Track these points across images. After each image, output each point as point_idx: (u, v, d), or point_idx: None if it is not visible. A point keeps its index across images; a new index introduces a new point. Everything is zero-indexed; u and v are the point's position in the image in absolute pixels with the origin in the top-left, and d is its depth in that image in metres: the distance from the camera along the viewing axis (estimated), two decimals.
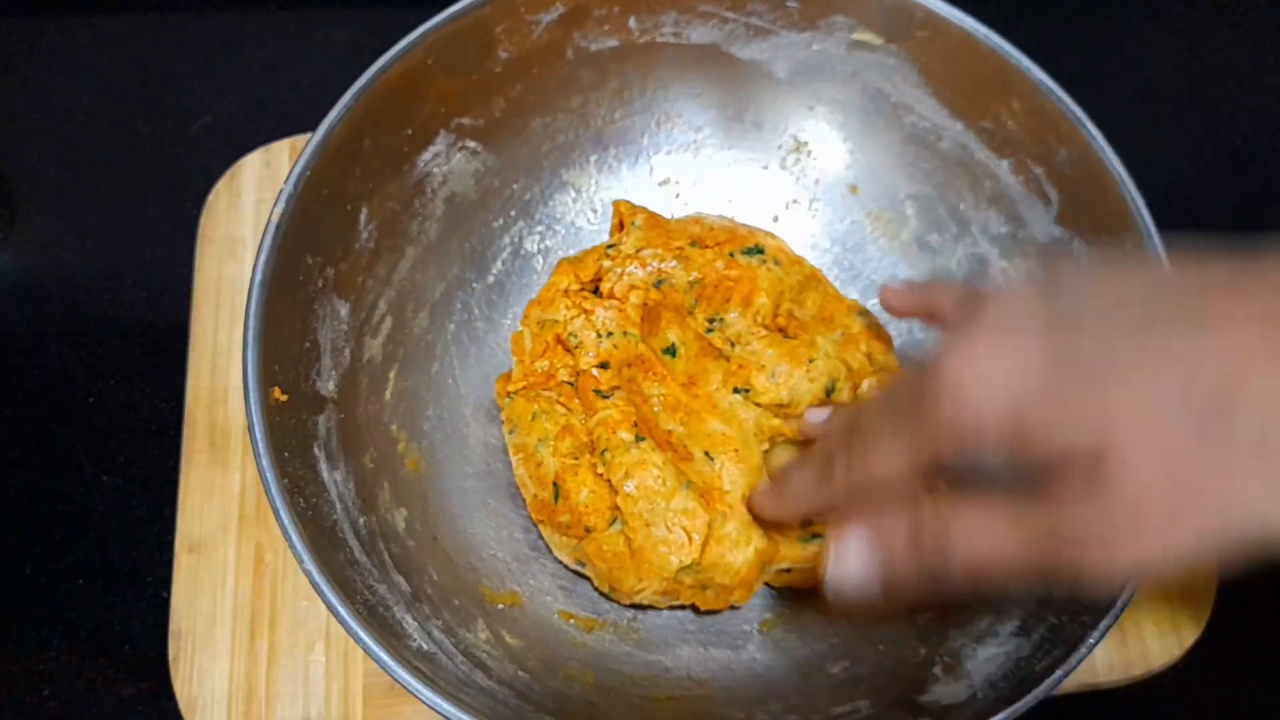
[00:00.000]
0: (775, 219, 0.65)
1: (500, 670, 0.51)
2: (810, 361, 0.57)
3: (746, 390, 0.56)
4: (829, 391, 0.56)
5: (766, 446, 0.56)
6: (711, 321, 0.58)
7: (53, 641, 0.61)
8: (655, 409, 0.56)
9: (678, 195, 0.66)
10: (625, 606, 0.57)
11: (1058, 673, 0.46)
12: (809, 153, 0.65)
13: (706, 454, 0.55)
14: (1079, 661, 0.46)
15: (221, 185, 0.69)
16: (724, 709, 0.53)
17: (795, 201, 0.66)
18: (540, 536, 0.58)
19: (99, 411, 0.67)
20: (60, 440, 0.66)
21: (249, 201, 0.69)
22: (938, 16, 0.57)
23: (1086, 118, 0.55)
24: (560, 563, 0.57)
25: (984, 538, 0.38)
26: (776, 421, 0.56)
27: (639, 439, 0.53)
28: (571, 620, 0.56)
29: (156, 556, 0.62)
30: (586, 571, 0.56)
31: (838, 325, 0.59)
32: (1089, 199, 0.56)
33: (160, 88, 0.79)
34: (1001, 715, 0.45)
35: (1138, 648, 0.60)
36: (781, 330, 0.58)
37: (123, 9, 0.82)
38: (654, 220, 0.60)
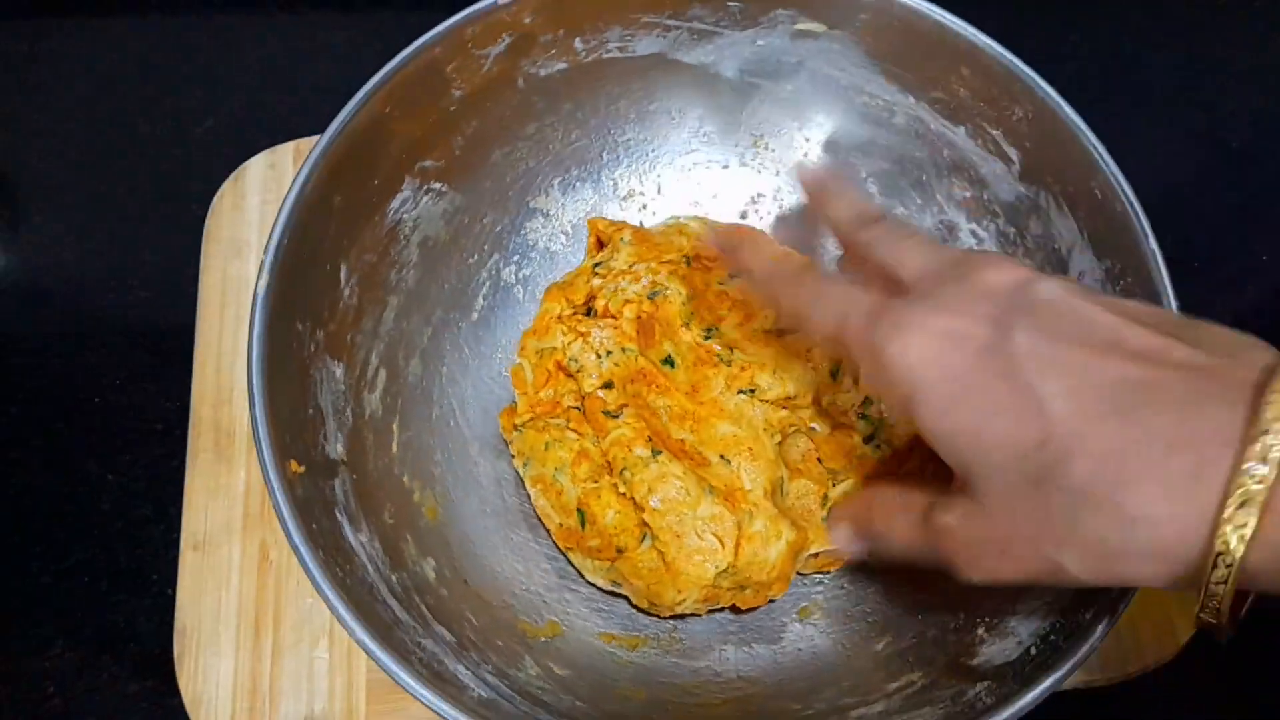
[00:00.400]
0: (743, 215, 0.66)
1: (558, 704, 0.51)
2: (808, 351, 0.57)
3: (752, 390, 0.56)
4: (834, 374, 0.57)
5: (779, 439, 0.57)
6: (709, 331, 0.58)
7: (57, 639, 0.61)
8: (664, 420, 0.56)
9: (644, 206, 0.66)
10: (665, 619, 0.57)
11: (1106, 618, 0.47)
12: (766, 145, 0.66)
13: (722, 457, 0.55)
14: (1129, 600, 0.46)
15: (226, 187, 0.70)
16: (779, 703, 0.54)
17: (760, 195, 0.67)
18: (569, 563, 0.58)
19: (103, 411, 0.68)
20: (65, 440, 0.67)
21: (253, 203, 0.69)
22: None
23: (1037, 75, 0.56)
24: (593, 585, 0.57)
25: (901, 526, 0.47)
26: (784, 413, 0.57)
27: (655, 453, 0.54)
28: (614, 641, 0.56)
29: (161, 555, 0.62)
30: (624, 591, 0.56)
31: None
32: (1049, 153, 0.57)
33: (163, 90, 0.79)
34: (1065, 666, 0.46)
35: (1133, 645, 0.61)
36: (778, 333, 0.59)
37: (125, 11, 0.82)
38: (641, 235, 0.60)
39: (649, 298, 0.58)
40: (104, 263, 0.73)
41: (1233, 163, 0.81)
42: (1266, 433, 0.32)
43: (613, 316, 0.58)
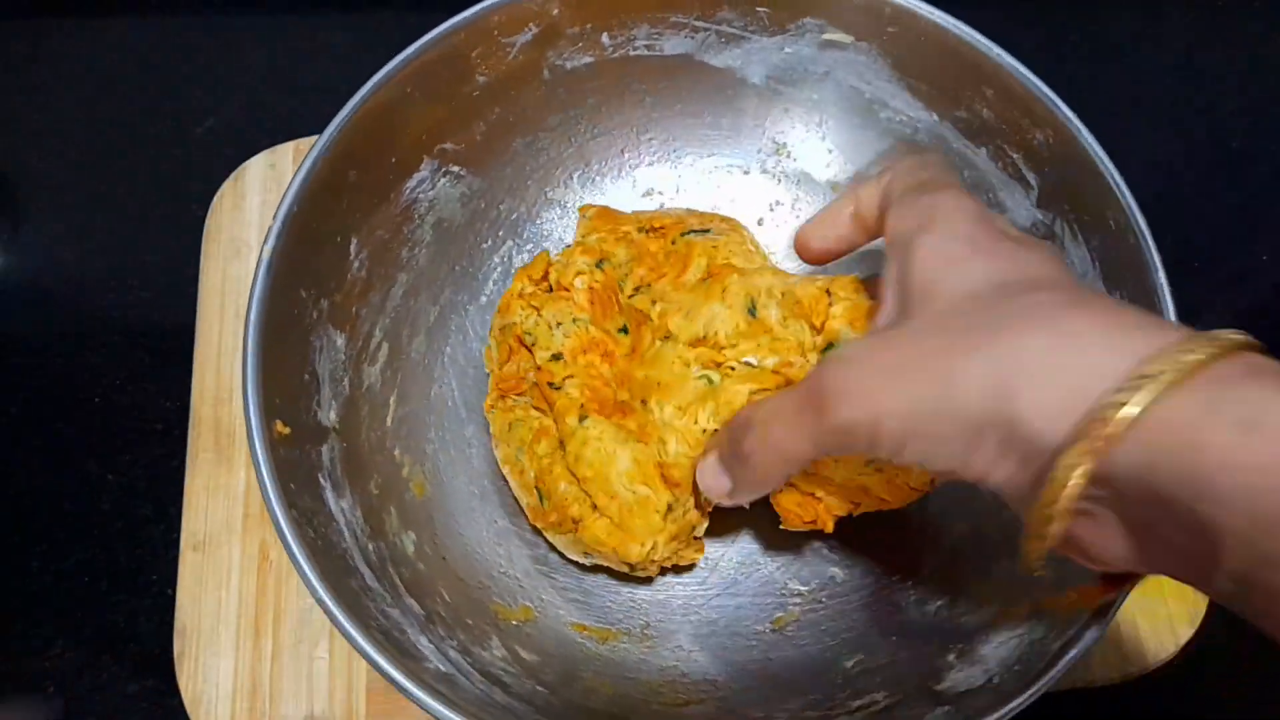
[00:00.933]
0: (760, 222, 0.66)
1: (519, 686, 0.52)
2: (724, 290, 0.54)
3: (667, 336, 0.55)
4: (751, 311, 0.54)
5: (701, 374, 0.53)
6: (637, 289, 0.57)
7: (58, 639, 0.62)
8: (613, 387, 0.56)
9: (661, 205, 0.67)
10: (642, 604, 0.57)
11: (1073, 650, 0.46)
12: (789, 154, 0.66)
13: (642, 402, 0.54)
14: (1096, 638, 0.45)
15: (226, 187, 0.71)
16: (743, 709, 0.54)
17: (778, 203, 0.66)
18: (550, 550, 0.58)
19: (104, 411, 0.68)
20: (65, 439, 0.68)
21: (253, 203, 0.70)
22: (907, 11, 0.58)
23: (1060, 100, 0.55)
24: (572, 565, 0.58)
25: (780, 424, 0.43)
26: (700, 351, 0.54)
27: (582, 419, 0.54)
28: (585, 632, 0.57)
29: (161, 555, 0.63)
30: (600, 561, 0.56)
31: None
32: (1068, 180, 0.56)
33: (164, 90, 0.80)
34: (1022, 697, 0.45)
35: (1133, 646, 0.60)
36: None
37: (126, 11, 0.83)
38: (605, 211, 0.60)
39: (596, 266, 0.58)
40: (104, 263, 0.73)
41: (1233, 162, 0.80)
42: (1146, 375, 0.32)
43: (566, 289, 0.57)
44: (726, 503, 0.49)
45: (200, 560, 0.61)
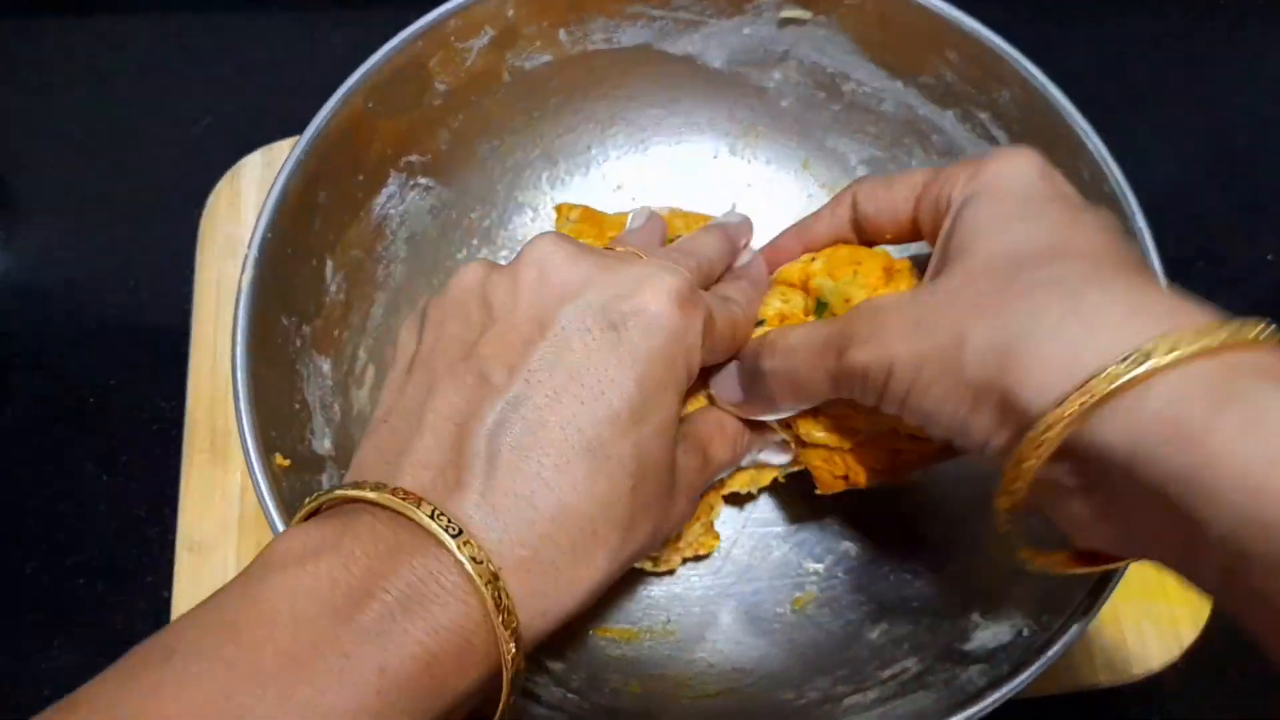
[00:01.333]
0: (734, 205, 0.66)
1: (549, 696, 0.51)
2: None
3: None
4: None
5: None
6: None
7: (54, 640, 0.62)
8: None
9: (634, 199, 0.66)
10: (660, 600, 0.57)
11: (1104, 594, 0.46)
12: (756, 134, 0.66)
13: None
14: (1119, 576, 0.46)
15: (222, 185, 0.70)
16: (774, 692, 0.54)
17: (749, 185, 0.66)
18: None
19: (100, 411, 0.68)
20: (61, 440, 0.67)
21: (250, 202, 0.69)
22: None
23: (1022, 56, 0.56)
24: None
25: (805, 349, 0.43)
26: None
27: None
28: (609, 635, 0.56)
29: (158, 556, 0.62)
30: None
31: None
32: (1036, 135, 0.57)
33: (161, 89, 0.79)
34: (1057, 645, 0.45)
35: (1136, 648, 0.60)
36: None
37: (123, 10, 0.82)
38: (589, 214, 0.60)
39: None
40: (101, 262, 0.73)
41: (1235, 162, 0.80)
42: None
43: None
44: (733, 413, 0.49)
45: (197, 562, 0.60)
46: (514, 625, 0.34)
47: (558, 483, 0.36)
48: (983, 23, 0.57)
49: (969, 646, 0.51)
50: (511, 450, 0.36)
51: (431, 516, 0.34)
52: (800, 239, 0.52)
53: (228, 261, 0.67)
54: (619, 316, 0.39)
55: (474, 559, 0.33)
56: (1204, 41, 0.86)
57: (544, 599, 0.36)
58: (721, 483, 0.54)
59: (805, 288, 0.50)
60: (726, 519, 0.59)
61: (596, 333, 0.38)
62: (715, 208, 0.64)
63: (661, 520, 0.40)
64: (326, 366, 0.55)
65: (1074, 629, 0.45)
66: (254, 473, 0.47)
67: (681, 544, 0.53)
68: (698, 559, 0.57)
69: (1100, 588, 0.46)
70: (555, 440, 0.36)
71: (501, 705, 0.35)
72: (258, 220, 0.51)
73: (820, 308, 0.49)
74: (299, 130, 0.53)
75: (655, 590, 0.58)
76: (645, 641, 0.56)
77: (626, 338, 0.38)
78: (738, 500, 0.58)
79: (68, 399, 0.68)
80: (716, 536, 0.56)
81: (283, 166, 0.52)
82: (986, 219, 0.40)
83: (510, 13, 0.58)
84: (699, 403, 0.50)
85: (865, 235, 0.50)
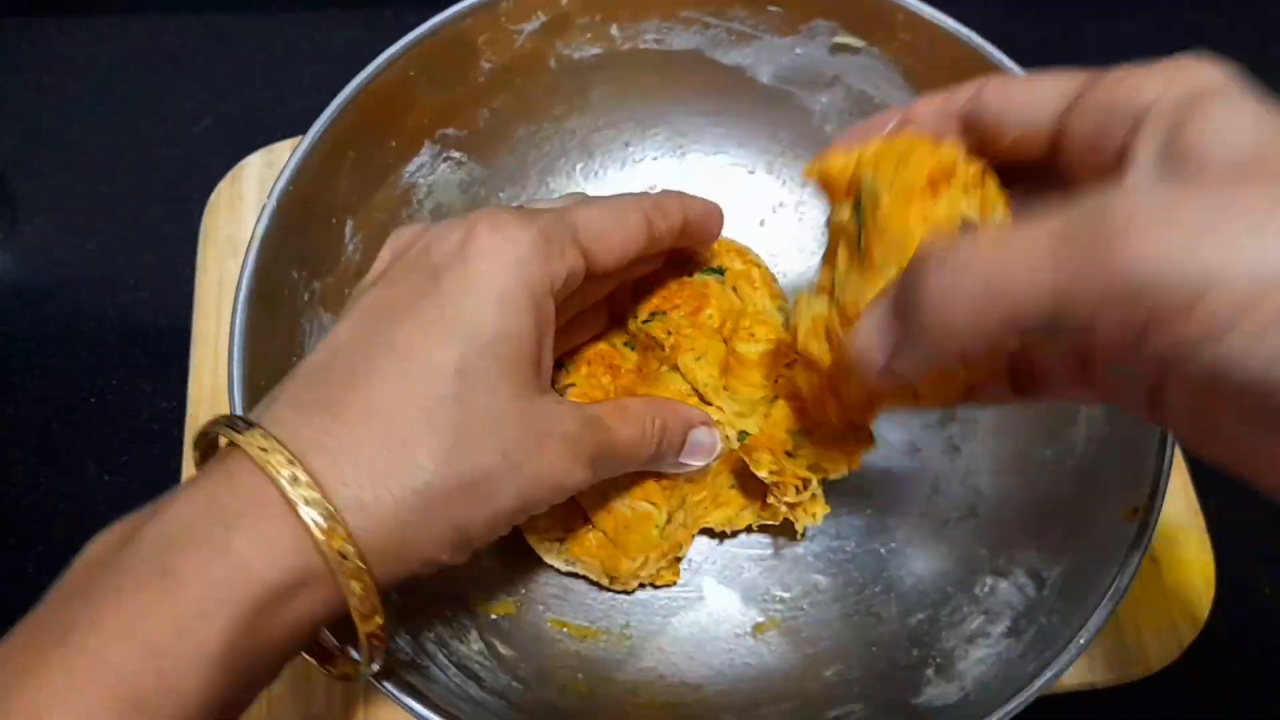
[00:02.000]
0: (762, 223, 0.65)
1: (493, 681, 0.51)
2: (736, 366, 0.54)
3: (675, 367, 0.54)
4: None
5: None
6: (653, 315, 0.56)
7: None
8: (611, 399, 0.55)
9: None
10: (622, 604, 0.57)
11: (1048, 672, 0.46)
12: (795, 156, 0.65)
13: None
14: (1069, 662, 0.45)
15: (223, 186, 0.70)
16: (719, 713, 0.54)
17: (781, 205, 0.66)
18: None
19: (101, 411, 0.68)
20: (62, 440, 0.67)
21: (250, 202, 0.69)
22: (919, 19, 0.57)
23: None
24: (553, 569, 0.57)
25: (999, 249, 0.29)
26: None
27: None
28: (565, 629, 0.56)
29: None
30: (580, 570, 0.55)
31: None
32: None
33: (161, 88, 0.79)
34: (994, 716, 0.45)
35: (1136, 649, 0.60)
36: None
37: (124, 10, 0.82)
38: None
39: None
40: (102, 262, 0.73)
41: None
42: None
43: None
44: (874, 379, 0.36)
45: None
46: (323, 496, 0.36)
47: (368, 382, 0.38)
48: (978, 23, 0.56)
49: (916, 701, 0.51)
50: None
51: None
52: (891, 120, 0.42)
53: (229, 262, 0.68)
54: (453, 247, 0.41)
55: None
56: (1210, 39, 0.84)
57: (358, 487, 0.36)
58: (695, 521, 0.55)
59: (851, 193, 0.41)
60: (705, 534, 0.58)
61: (425, 268, 0.41)
62: (745, 222, 0.64)
63: (520, 454, 0.40)
64: (331, 324, 0.56)
65: (1014, 702, 0.45)
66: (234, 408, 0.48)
67: (642, 571, 0.53)
68: (655, 587, 0.57)
69: (1040, 671, 0.46)
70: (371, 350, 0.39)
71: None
72: (281, 170, 0.52)
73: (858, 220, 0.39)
74: (301, 130, 0.53)
75: (620, 594, 0.58)
76: (601, 641, 0.56)
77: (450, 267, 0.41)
78: (713, 534, 0.58)
79: (68, 398, 0.68)
80: (677, 573, 0.56)
81: (314, 123, 0.53)
82: (1243, 115, 0.30)
83: (564, 1, 0.58)
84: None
85: (979, 139, 0.39)
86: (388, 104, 0.56)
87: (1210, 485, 0.63)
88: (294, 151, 0.53)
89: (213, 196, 0.70)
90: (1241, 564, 0.64)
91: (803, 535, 0.54)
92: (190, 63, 0.80)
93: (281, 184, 0.52)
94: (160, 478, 0.65)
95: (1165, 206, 0.26)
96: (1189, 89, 0.31)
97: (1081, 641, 0.46)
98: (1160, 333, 0.26)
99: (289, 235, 0.52)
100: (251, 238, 0.51)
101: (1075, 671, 0.57)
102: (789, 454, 0.51)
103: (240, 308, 0.50)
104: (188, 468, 0.62)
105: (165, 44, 0.81)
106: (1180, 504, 0.63)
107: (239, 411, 0.49)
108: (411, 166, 0.59)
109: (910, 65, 0.59)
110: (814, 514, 0.52)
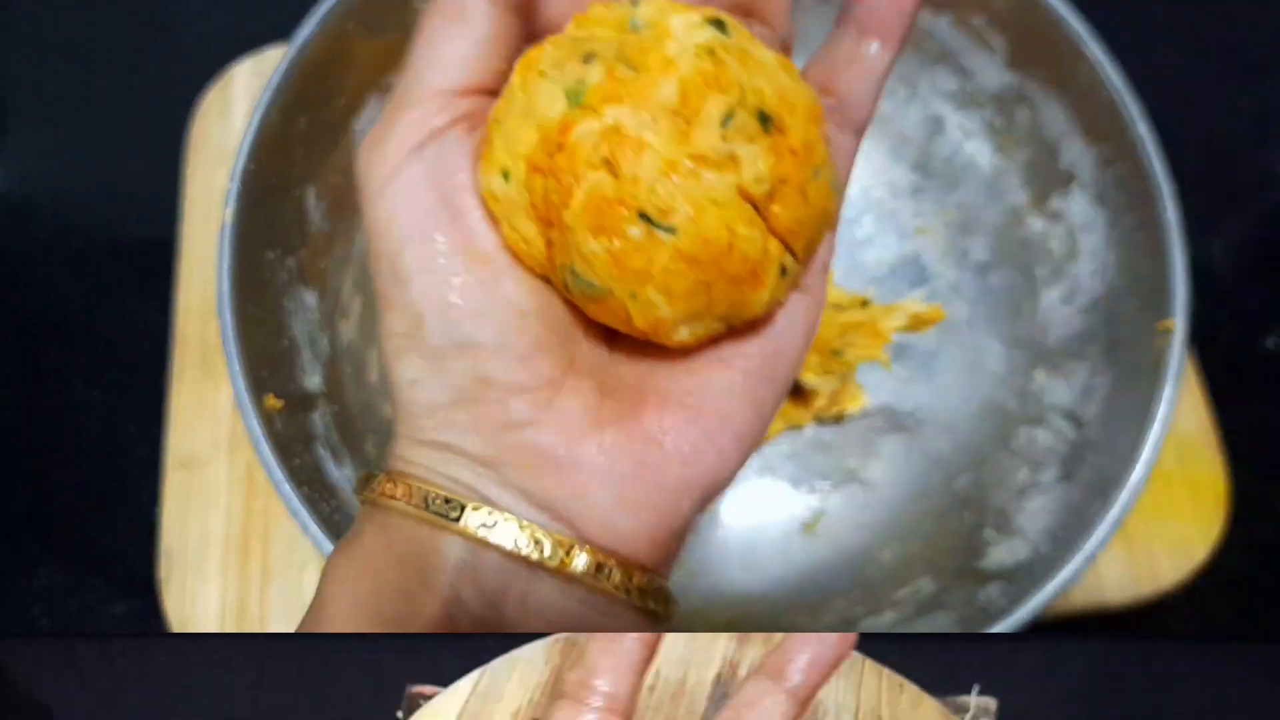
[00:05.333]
0: None
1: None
2: None
3: None
4: None
5: None
6: None
7: (44, 559, 0.60)
8: None
9: None
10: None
11: (1115, 507, 0.45)
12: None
13: None
14: (1139, 486, 0.45)
15: (212, 94, 0.66)
16: (788, 617, 0.53)
17: None
18: None
19: (88, 328, 0.66)
20: (49, 357, 0.65)
21: (240, 110, 0.66)
22: None
23: None
24: None
25: None
26: None
27: None
28: None
29: (149, 474, 0.60)
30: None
31: None
32: (1034, 40, 0.55)
33: None
34: (1073, 563, 0.45)
35: (1146, 565, 0.58)
36: None
37: None
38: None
39: None
40: (89, 175, 0.70)
41: (1249, 71, 0.78)
42: None
43: None
44: None
45: (186, 479, 0.58)
46: None
47: None
48: None
49: (984, 564, 0.51)
50: None
51: None
52: None
53: (218, 170, 0.63)
54: None
55: None
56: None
57: None
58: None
59: None
60: None
61: None
62: None
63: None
64: (312, 299, 0.54)
65: (1088, 545, 0.45)
66: (246, 414, 0.46)
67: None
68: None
69: (1105, 510, 0.45)
70: None
71: None
72: (238, 152, 0.49)
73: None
74: (288, 36, 0.50)
75: None
76: None
77: None
78: None
79: (54, 315, 0.66)
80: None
81: (260, 96, 0.50)
82: None
83: None
84: None
85: None
86: (330, 61, 0.53)
87: (1228, 397, 0.62)
88: (246, 129, 0.50)
89: (201, 105, 0.66)
90: (1259, 481, 0.62)
91: (840, 419, 0.54)
92: None
93: (241, 163, 0.49)
94: (149, 395, 0.62)
95: None
96: None
97: (1144, 458, 0.45)
98: None
99: (257, 215, 0.50)
100: (222, 225, 0.48)
101: (1085, 590, 0.56)
102: (835, 353, 0.50)
103: (227, 300, 0.48)
104: (176, 384, 0.60)
105: None
106: (1192, 420, 0.61)
107: (252, 412, 0.46)
108: (361, 122, 0.56)
109: None
110: (854, 398, 0.52)
